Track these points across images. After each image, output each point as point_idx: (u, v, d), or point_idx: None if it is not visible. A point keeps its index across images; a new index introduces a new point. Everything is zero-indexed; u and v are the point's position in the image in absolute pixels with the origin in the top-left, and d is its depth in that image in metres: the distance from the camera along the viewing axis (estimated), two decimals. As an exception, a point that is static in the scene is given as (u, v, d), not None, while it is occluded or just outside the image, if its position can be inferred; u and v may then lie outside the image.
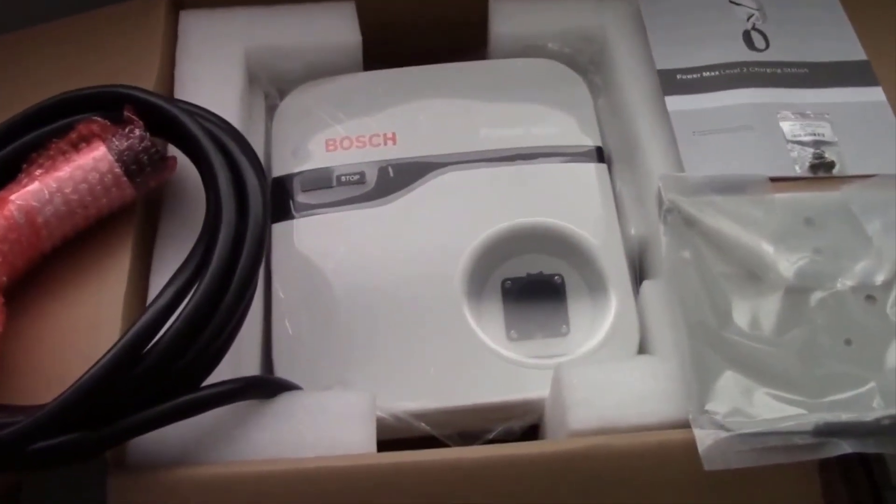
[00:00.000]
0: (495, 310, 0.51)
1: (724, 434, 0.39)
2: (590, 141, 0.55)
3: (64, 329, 0.43)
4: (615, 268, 0.51)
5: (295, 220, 0.53)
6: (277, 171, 0.55)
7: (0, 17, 0.57)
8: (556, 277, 0.52)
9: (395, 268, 0.51)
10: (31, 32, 0.56)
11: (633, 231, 0.52)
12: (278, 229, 0.53)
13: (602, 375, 0.44)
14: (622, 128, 0.55)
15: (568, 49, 0.58)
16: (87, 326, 0.43)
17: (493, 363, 0.48)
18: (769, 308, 0.44)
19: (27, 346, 0.42)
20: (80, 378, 0.37)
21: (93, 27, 0.55)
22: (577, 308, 0.51)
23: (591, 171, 0.54)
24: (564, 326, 0.51)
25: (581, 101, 0.57)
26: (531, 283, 0.52)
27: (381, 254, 0.51)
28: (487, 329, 0.50)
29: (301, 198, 0.53)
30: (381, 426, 0.44)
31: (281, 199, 0.53)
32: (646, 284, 0.50)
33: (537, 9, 0.58)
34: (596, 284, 0.51)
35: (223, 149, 0.44)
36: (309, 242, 0.52)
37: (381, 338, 0.49)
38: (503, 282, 0.52)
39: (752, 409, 0.40)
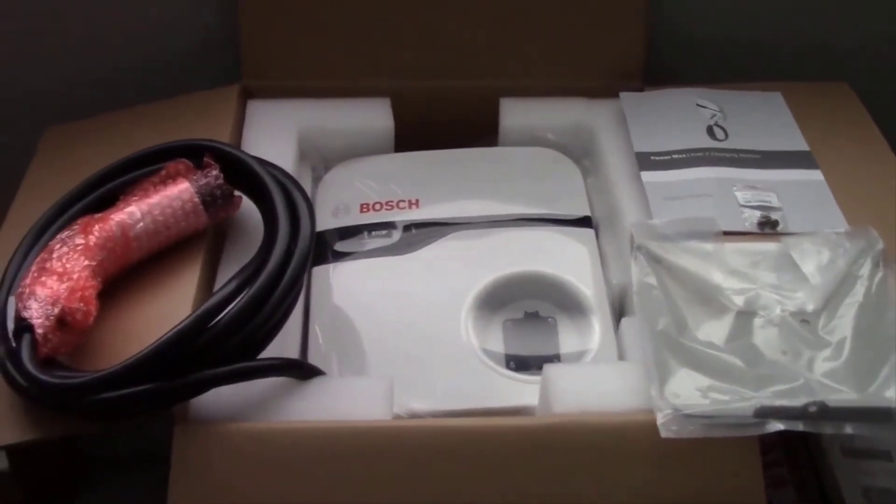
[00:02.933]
0: (498, 343, 0.60)
1: (677, 413, 0.48)
2: (580, 211, 0.66)
3: (143, 321, 0.53)
4: (599, 310, 0.60)
5: (331, 265, 0.63)
6: (319, 227, 0.65)
7: (104, 99, 0.71)
8: (549, 319, 0.61)
9: (414, 302, 0.61)
10: (130, 112, 0.69)
11: (614, 280, 0.62)
12: (317, 272, 0.63)
13: (582, 373, 0.53)
14: (606, 200, 0.66)
15: (564, 139, 0.71)
16: (161, 320, 0.52)
17: (491, 377, 0.57)
18: (720, 326, 0.53)
19: (113, 331, 0.52)
20: (156, 340, 0.47)
21: (180, 109, 0.68)
22: (566, 342, 0.60)
23: (581, 235, 0.65)
24: (555, 357, 0.60)
25: (573, 181, 0.68)
26: (528, 324, 0.61)
27: (403, 292, 0.61)
28: (491, 361, 0.59)
29: (337, 247, 0.64)
30: (397, 422, 0.52)
31: (321, 249, 0.64)
32: (624, 321, 0.59)
33: (539, 107, 0.71)
34: (583, 322, 0.60)
35: (280, 183, 0.55)
36: (343, 282, 0.62)
37: (398, 356, 0.58)
38: (504, 322, 0.61)
39: (701, 397, 0.49)
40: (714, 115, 0.68)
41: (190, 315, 0.48)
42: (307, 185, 0.68)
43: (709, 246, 0.56)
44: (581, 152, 0.71)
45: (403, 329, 0.60)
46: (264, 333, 0.50)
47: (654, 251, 0.56)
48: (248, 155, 0.58)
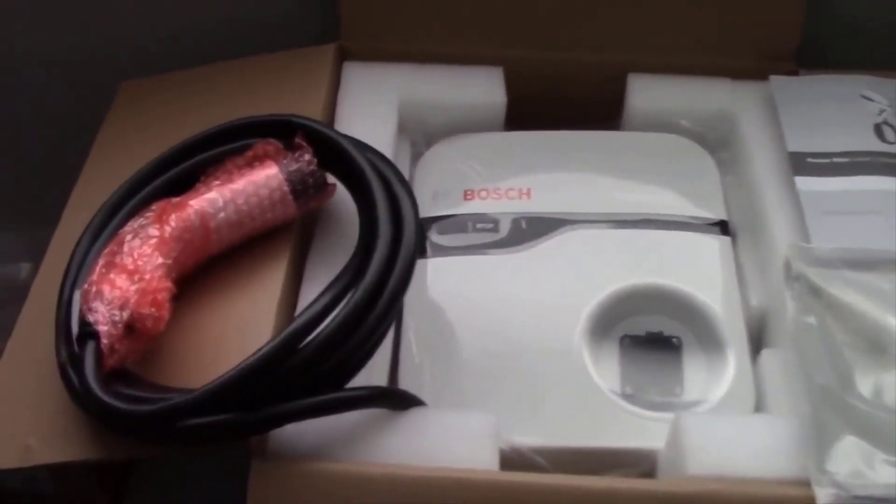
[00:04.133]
0: (612, 363, 0.53)
1: (843, 494, 0.40)
2: (716, 214, 0.57)
3: (221, 324, 0.47)
4: (734, 335, 0.52)
5: (429, 260, 0.56)
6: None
7: (187, 54, 0.64)
8: (674, 339, 0.54)
9: (521, 311, 0.53)
10: (213, 69, 0.62)
11: (753, 301, 0.54)
12: (413, 266, 0.56)
13: (721, 427, 0.45)
14: (748, 203, 0.57)
15: (700, 127, 0.61)
16: (241, 324, 0.46)
17: (609, 410, 0.50)
18: (892, 380, 0.44)
19: (187, 335, 0.46)
20: (238, 365, 0.40)
21: (269, 68, 0.61)
22: (693, 371, 0.52)
23: (716, 243, 0.56)
24: (679, 388, 0.52)
25: (709, 177, 0.59)
26: (649, 342, 0.54)
27: (509, 298, 0.54)
28: (604, 380, 0.52)
29: (436, 239, 0.57)
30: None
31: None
32: (764, 353, 0.51)
33: (673, 86, 0.62)
34: (713, 350, 0.52)
35: (382, 176, 0.48)
36: (441, 281, 0.55)
37: (502, 375, 0.51)
38: (622, 338, 0.54)
39: (872, 474, 0.41)
40: (882, 111, 0.58)
41: (278, 335, 0.41)
42: (405, 164, 0.61)
43: (884, 282, 0.47)
44: (719, 143, 0.61)
45: (508, 343, 0.52)
46: (360, 357, 0.43)
47: (814, 281, 0.48)
48: (346, 137, 0.50)
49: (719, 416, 0.47)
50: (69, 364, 0.43)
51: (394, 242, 0.45)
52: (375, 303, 0.43)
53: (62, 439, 0.44)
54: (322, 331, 0.42)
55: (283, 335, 0.41)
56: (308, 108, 0.57)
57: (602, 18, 0.63)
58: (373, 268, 0.44)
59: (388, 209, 0.46)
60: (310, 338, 0.42)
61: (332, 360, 0.42)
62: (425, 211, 0.58)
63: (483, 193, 0.59)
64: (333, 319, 0.42)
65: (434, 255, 0.56)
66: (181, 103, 0.61)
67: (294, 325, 0.41)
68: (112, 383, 0.42)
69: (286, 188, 0.48)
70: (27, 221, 0.75)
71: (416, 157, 0.62)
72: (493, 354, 0.52)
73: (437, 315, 0.54)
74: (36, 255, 0.80)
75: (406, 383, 0.51)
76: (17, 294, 0.79)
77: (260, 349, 0.41)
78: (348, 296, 0.43)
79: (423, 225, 0.57)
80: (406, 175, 0.60)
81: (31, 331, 0.49)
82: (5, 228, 0.77)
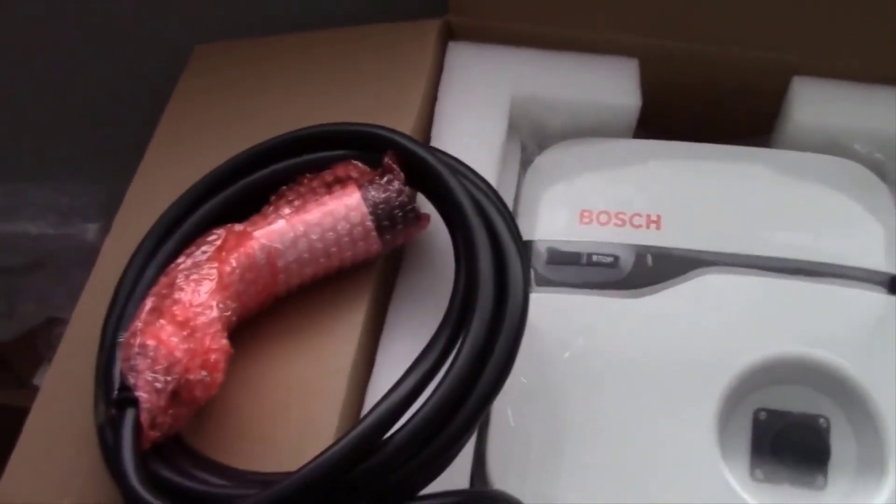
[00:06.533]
0: (741, 439, 0.44)
1: None
2: (886, 266, 0.47)
3: (283, 385, 0.40)
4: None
5: (533, 294, 0.47)
6: (521, 233, 0.49)
7: (273, 20, 0.55)
8: (821, 420, 0.44)
9: (641, 374, 0.45)
10: (297, 38, 0.54)
11: (928, 391, 0.44)
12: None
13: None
14: (931, 260, 0.47)
15: (878, 153, 0.50)
16: (307, 388, 0.39)
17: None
18: None
19: (242, 394, 0.39)
20: (299, 471, 0.33)
21: (363, 42, 0.53)
22: (841, 462, 0.43)
23: (884, 304, 0.46)
24: (822, 479, 0.43)
25: (883, 217, 0.48)
26: (791, 422, 0.45)
27: (627, 354, 0.45)
28: (730, 461, 0.43)
29: (544, 270, 0.48)
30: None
31: (521, 267, 0.48)
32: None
33: (848, 97, 0.51)
34: (870, 443, 0.43)
35: (488, 224, 0.39)
36: (546, 322, 0.46)
37: (613, 453, 0.43)
38: (757, 411, 0.45)
39: None
40: None
41: (349, 434, 0.33)
42: (513, 170, 0.52)
43: None
44: (901, 175, 0.50)
45: (621, 413, 0.44)
46: (444, 460, 0.35)
47: None
48: (450, 166, 0.41)
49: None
50: (108, 427, 0.37)
51: (495, 313, 0.37)
52: (468, 393, 0.35)
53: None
54: (401, 429, 0.34)
55: (354, 434, 0.33)
56: (403, 96, 0.50)
57: (765, 9, 0.51)
58: (467, 348, 0.35)
59: (492, 269, 0.38)
60: (387, 435, 0.34)
61: (413, 464, 0.34)
62: (532, 232, 0.49)
63: (603, 217, 0.49)
64: (416, 415, 0.34)
65: (539, 289, 0.47)
66: (258, 74, 0.55)
67: (369, 421, 0.34)
68: (152, 461, 0.36)
69: (370, 223, 0.40)
70: (101, 177, 0.70)
71: (526, 162, 0.53)
72: (604, 426, 0.44)
73: (539, 365, 0.46)
74: (107, 214, 0.76)
75: (496, 451, 0.43)
76: (84, 256, 0.75)
77: (328, 450, 0.33)
78: (438, 383, 0.35)
79: (528, 249, 0.49)
80: (513, 185, 0.52)
81: (76, 355, 0.43)
82: (80, 182, 0.73)
